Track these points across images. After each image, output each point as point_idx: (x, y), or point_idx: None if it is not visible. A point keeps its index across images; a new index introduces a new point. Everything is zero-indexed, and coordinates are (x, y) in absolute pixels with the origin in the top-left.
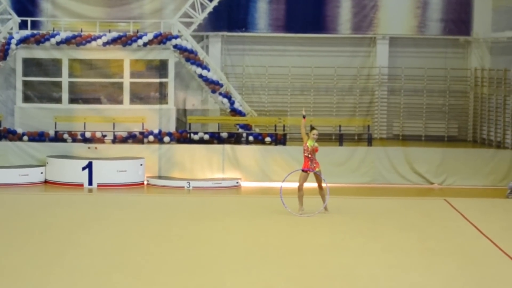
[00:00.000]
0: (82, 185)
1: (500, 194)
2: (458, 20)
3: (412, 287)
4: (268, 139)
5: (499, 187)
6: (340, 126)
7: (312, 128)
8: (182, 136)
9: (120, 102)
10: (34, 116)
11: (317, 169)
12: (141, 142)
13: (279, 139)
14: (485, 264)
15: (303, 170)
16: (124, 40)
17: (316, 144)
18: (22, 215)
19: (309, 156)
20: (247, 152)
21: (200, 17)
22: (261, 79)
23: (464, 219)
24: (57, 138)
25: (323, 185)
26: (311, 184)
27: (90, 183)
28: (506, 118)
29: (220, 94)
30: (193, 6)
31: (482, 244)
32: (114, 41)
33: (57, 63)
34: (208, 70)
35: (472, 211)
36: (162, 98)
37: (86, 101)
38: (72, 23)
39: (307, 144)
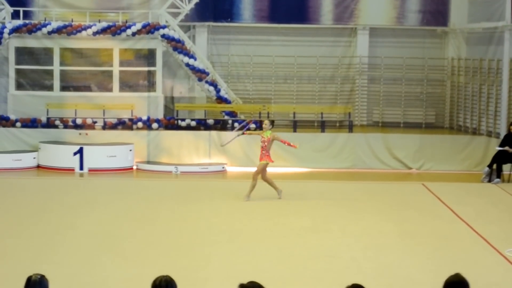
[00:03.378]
0: (74, 170)
1: (475, 179)
2: (436, 11)
3: (390, 268)
4: (252, 125)
5: (474, 172)
6: (322, 113)
7: (263, 120)
8: (170, 123)
9: (110, 89)
10: (27, 103)
11: (262, 162)
12: (130, 128)
13: None
14: (460, 246)
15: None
16: (113, 30)
17: (274, 134)
18: (15, 198)
19: (264, 146)
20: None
21: (187, 7)
22: (246, 68)
23: (441, 202)
24: (49, 124)
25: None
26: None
27: (81, 168)
28: (481, 106)
29: (207, 82)
30: None
31: (458, 227)
32: (103, 30)
33: (48, 52)
34: (195, 59)
35: (448, 195)
36: (151, 86)
37: (77, 88)
38: (63, 13)
39: (264, 135)
